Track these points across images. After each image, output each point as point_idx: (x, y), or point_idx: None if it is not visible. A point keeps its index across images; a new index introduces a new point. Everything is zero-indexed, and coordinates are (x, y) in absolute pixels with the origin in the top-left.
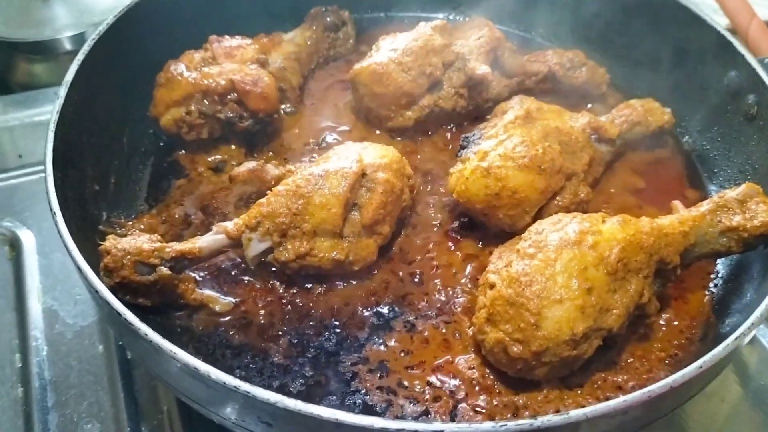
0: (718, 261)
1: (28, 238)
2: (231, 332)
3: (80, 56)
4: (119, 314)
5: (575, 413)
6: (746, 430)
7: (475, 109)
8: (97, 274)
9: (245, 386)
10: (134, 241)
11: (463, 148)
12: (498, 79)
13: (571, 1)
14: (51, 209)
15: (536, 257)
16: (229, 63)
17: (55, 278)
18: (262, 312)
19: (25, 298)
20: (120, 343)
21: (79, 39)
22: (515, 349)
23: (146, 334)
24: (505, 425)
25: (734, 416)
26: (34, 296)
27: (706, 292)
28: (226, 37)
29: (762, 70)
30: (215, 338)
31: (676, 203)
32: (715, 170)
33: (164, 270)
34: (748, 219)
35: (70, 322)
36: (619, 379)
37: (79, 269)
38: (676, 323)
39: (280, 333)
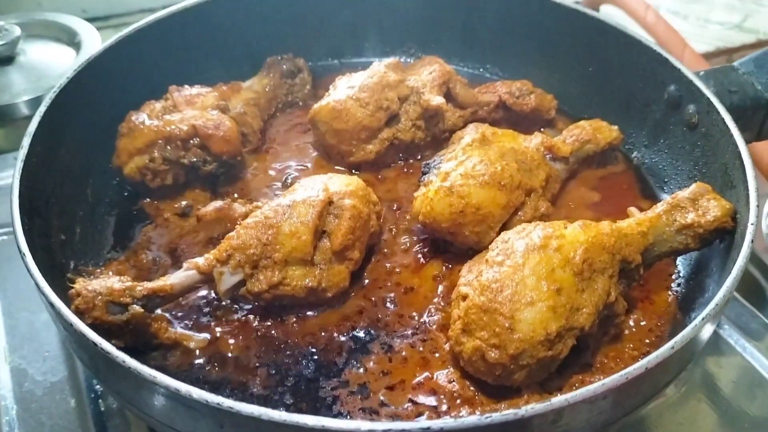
0: (679, 262)
1: None
2: (207, 368)
3: (42, 108)
4: (95, 345)
5: (557, 400)
6: None
7: (432, 140)
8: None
9: (228, 402)
10: (105, 281)
11: (424, 174)
12: (452, 110)
13: (515, 37)
14: (20, 250)
15: (505, 264)
16: (190, 110)
17: (22, 337)
18: (237, 346)
19: None
20: (92, 395)
21: (36, 103)
22: (493, 355)
23: (124, 361)
24: (490, 416)
25: None
26: (0, 356)
27: (670, 292)
28: (186, 86)
29: (699, 81)
30: (192, 375)
31: (632, 209)
32: (666, 180)
33: (137, 308)
34: (701, 215)
35: (40, 379)
36: (596, 380)
37: (51, 305)
38: (644, 323)
39: (257, 365)
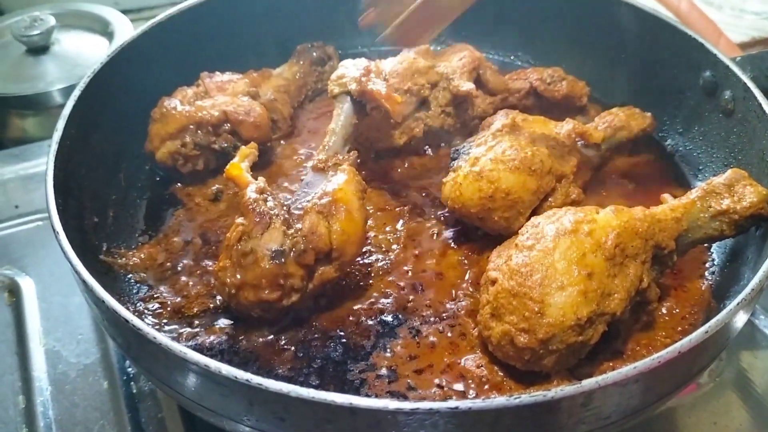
0: (713, 250)
1: (27, 284)
2: (235, 347)
3: (76, 92)
4: (126, 321)
5: (587, 382)
6: None
7: (462, 126)
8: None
9: (257, 379)
10: None
11: (453, 159)
12: (482, 96)
13: (546, 24)
14: (54, 229)
15: (535, 248)
16: (222, 96)
17: (56, 320)
18: (265, 328)
19: (27, 341)
20: (125, 377)
21: (69, 92)
22: (522, 339)
23: (155, 338)
24: (519, 398)
25: None
26: (35, 339)
27: (704, 281)
28: (217, 72)
29: (735, 66)
30: (219, 354)
31: (666, 195)
32: (700, 167)
33: None
34: (736, 201)
35: (74, 361)
36: None
37: (84, 282)
38: (677, 311)
39: (285, 347)
